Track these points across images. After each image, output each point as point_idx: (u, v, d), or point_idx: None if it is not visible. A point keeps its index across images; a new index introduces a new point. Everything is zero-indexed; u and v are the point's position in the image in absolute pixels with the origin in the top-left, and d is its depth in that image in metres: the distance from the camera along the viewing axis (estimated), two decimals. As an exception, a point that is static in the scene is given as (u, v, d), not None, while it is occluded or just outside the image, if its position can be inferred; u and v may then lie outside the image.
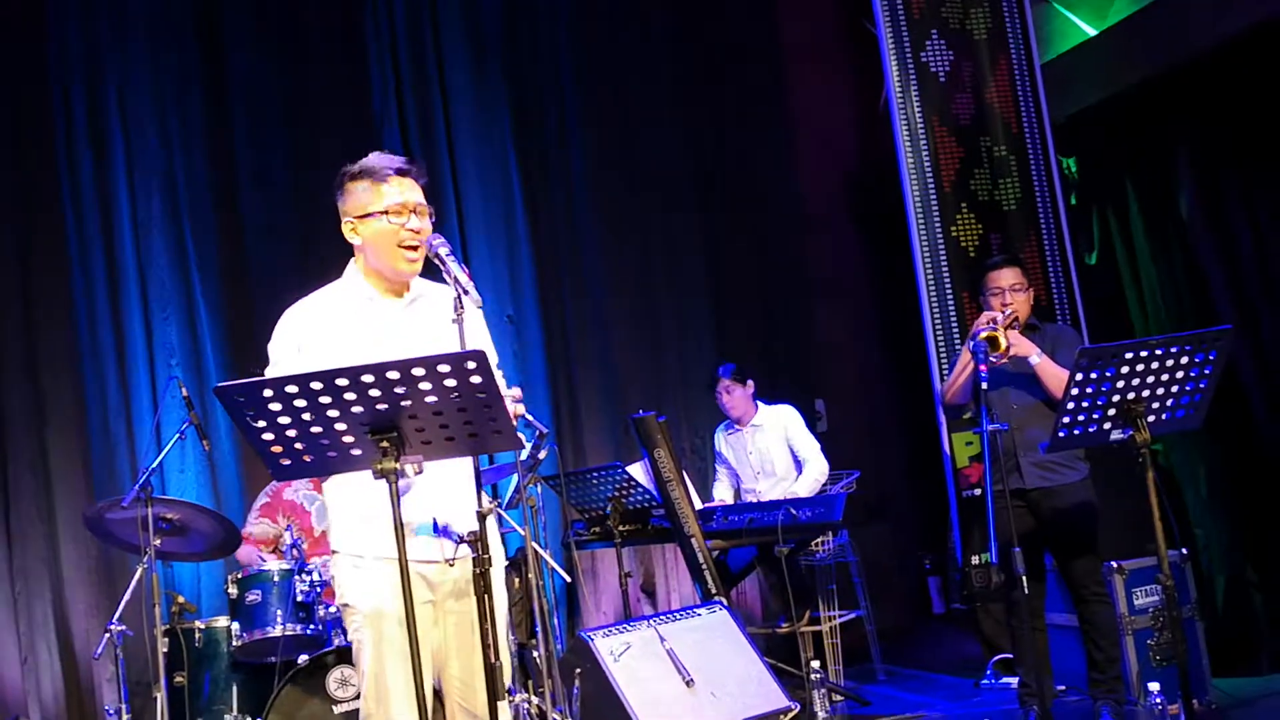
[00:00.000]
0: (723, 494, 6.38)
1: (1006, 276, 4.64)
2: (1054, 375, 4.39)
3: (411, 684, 2.57)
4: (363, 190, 3.00)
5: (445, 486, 2.88)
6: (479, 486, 2.74)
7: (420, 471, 2.81)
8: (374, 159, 3.03)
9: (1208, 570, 5.60)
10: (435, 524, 2.92)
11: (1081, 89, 6.44)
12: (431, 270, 2.99)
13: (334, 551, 3.03)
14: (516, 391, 3.10)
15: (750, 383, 6.20)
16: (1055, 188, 6.43)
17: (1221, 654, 5.00)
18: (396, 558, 2.59)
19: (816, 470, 6.08)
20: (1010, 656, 4.98)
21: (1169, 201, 5.99)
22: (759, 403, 6.27)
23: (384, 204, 2.97)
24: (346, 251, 3.10)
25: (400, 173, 3.00)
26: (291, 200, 6.31)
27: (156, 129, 6.09)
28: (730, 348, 7.26)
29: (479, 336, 3.10)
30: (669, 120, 7.38)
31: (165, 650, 4.36)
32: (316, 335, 2.97)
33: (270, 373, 2.94)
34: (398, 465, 2.58)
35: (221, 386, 2.51)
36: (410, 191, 3.01)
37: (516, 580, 5.15)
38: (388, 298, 3.05)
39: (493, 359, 3.14)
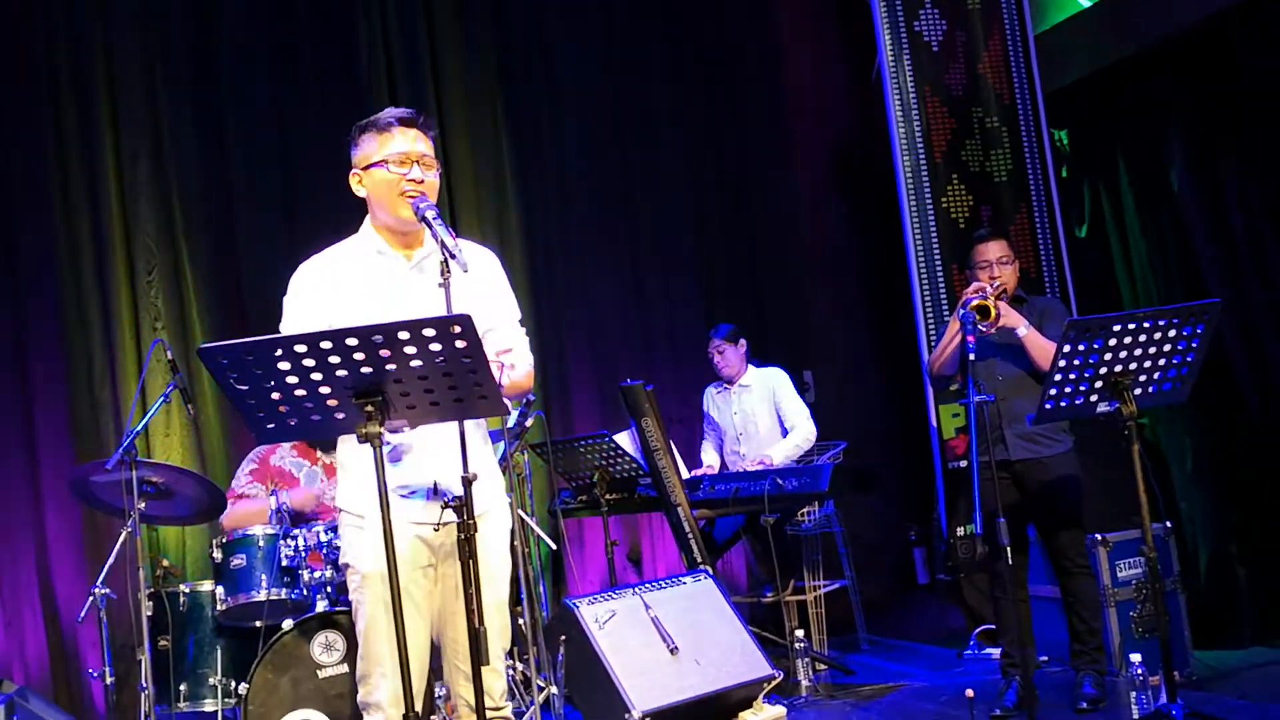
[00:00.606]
0: (709, 458, 6.39)
1: (994, 249, 4.64)
2: (1041, 347, 4.39)
3: (410, 644, 2.58)
4: (368, 141, 3.02)
5: (448, 448, 2.87)
6: (464, 451, 2.72)
7: (405, 429, 2.80)
8: (384, 111, 3.05)
9: (1191, 544, 5.64)
10: (435, 487, 2.92)
11: (1074, 60, 6.42)
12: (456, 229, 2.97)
13: (339, 510, 3.08)
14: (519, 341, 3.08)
15: (743, 343, 6.24)
16: (1047, 160, 6.42)
17: (1203, 626, 5.04)
18: (396, 517, 2.62)
19: (801, 435, 6.09)
20: (993, 627, 5.00)
21: (1160, 175, 5.98)
22: (750, 364, 6.29)
23: (386, 152, 2.97)
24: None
25: (404, 122, 3.01)
26: (278, 162, 6.27)
27: (144, 91, 6.03)
28: (720, 317, 7.25)
29: (492, 291, 3.10)
30: (659, 92, 7.35)
31: (149, 614, 4.36)
32: (326, 291, 2.98)
33: (282, 328, 2.97)
34: (382, 429, 2.57)
35: (205, 348, 2.50)
36: (416, 142, 3.00)
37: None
38: (397, 252, 3.05)
39: (512, 315, 3.13)
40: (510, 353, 2.98)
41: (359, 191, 3.05)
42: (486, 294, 3.07)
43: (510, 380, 2.97)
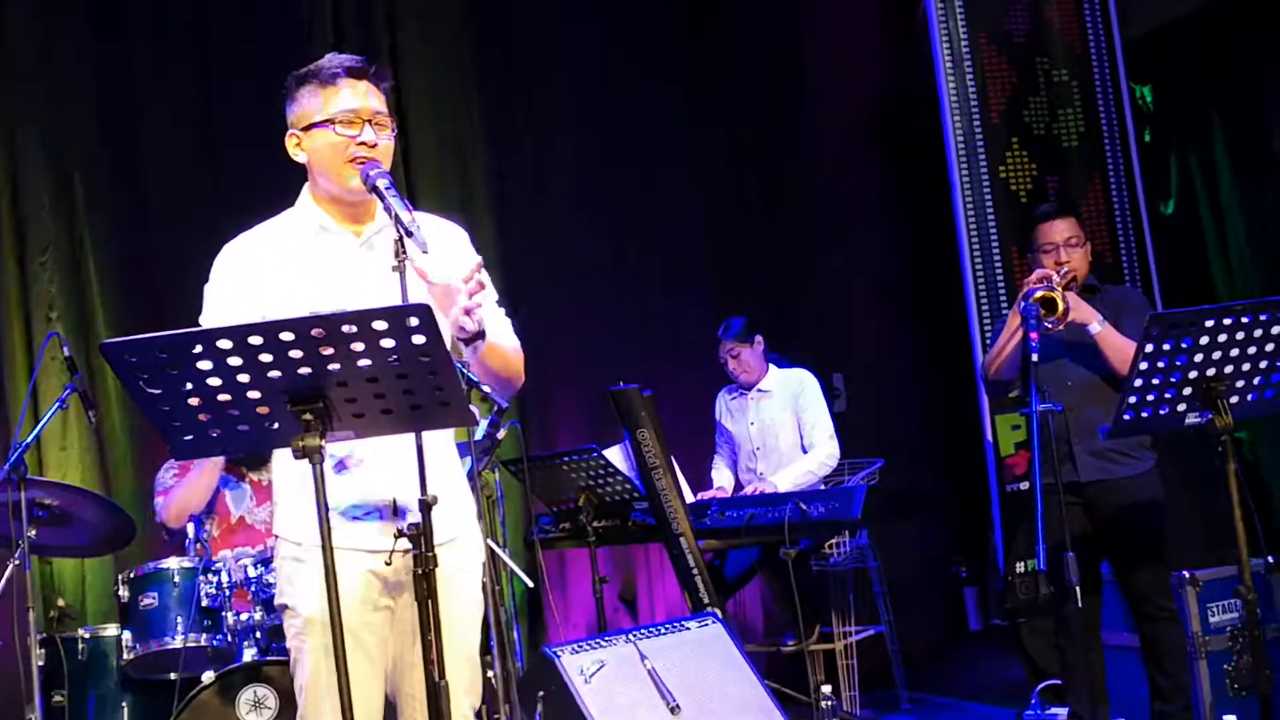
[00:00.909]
0: (721, 477, 6.39)
1: (1060, 229, 4.65)
2: (1117, 347, 4.40)
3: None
4: (307, 96, 2.99)
5: (409, 457, 2.86)
6: (422, 468, 2.71)
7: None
8: (323, 60, 3.02)
9: (1297, 583, 5.64)
10: (394, 506, 2.91)
11: (1160, 2, 6.43)
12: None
13: (276, 535, 3.05)
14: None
15: (759, 339, 6.22)
16: (1126, 121, 6.43)
17: (1311, 681, 5.04)
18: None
19: (818, 458, 6.08)
20: (1059, 682, 5.01)
21: (1262, 139, 6.00)
22: (772, 364, 6.27)
23: (331, 110, 2.95)
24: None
25: (352, 73, 2.98)
26: (198, 124, 6.26)
27: (34, 31, 6.02)
28: (730, 309, 7.25)
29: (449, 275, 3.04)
30: (655, 39, 7.34)
31: (41, 664, 4.35)
32: (256, 275, 2.96)
33: (202, 321, 2.95)
34: (321, 443, 2.57)
35: (109, 343, 2.49)
36: (367, 97, 2.98)
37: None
38: (344, 227, 3.03)
39: (489, 295, 3.09)
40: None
41: (297, 156, 3.03)
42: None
43: (496, 349, 2.95)
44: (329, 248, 3.01)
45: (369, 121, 2.96)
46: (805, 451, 6.16)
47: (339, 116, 2.94)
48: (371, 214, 3.05)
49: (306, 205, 3.06)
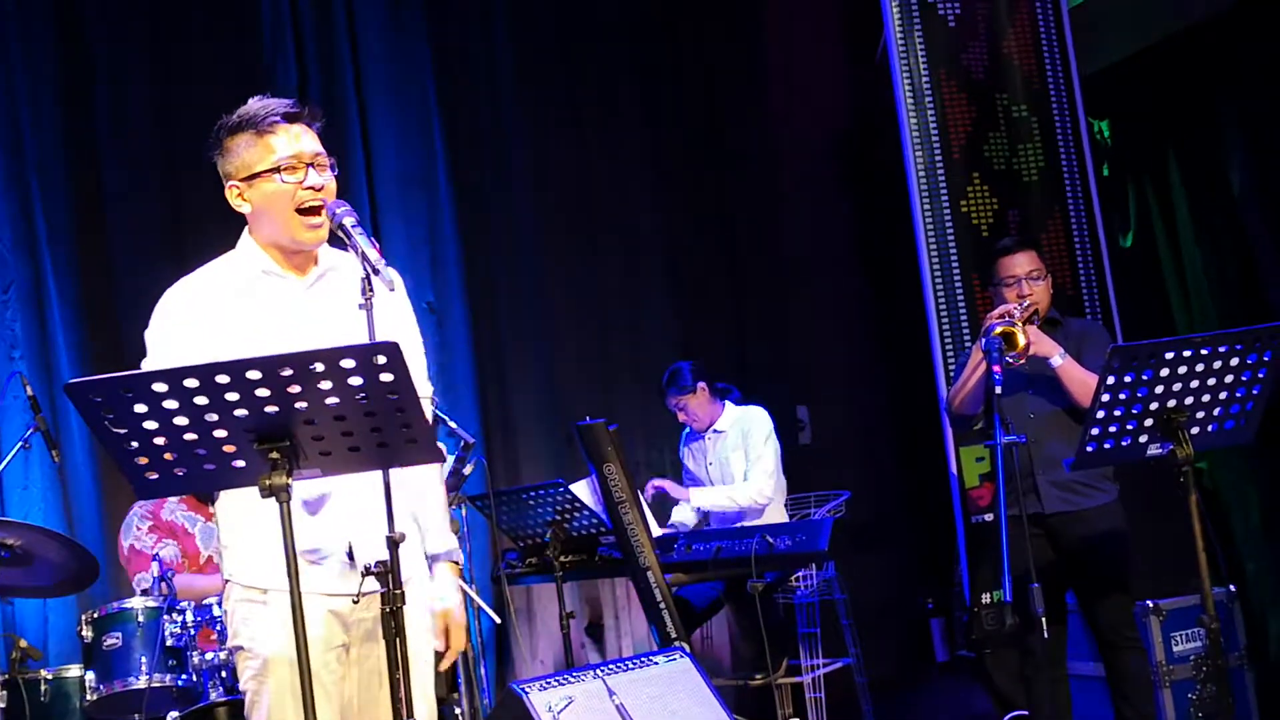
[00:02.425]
0: (683, 516, 6.39)
1: (1022, 262, 4.68)
2: (1079, 380, 4.42)
3: None
4: (245, 146, 2.95)
5: (369, 502, 2.85)
6: (389, 506, 2.71)
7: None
8: (254, 104, 2.98)
9: (1259, 611, 5.68)
10: (349, 552, 2.90)
11: (1116, 38, 6.50)
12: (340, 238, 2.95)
13: (226, 581, 3.00)
14: (427, 389, 3.08)
15: (702, 386, 6.18)
16: (1085, 155, 6.48)
17: (1275, 708, 5.07)
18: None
19: (750, 490, 6.02)
20: (1025, 713, 5.01)
21: (1217, 173, 6.06)
22: (727, 402, 6.28)
23: (274, 159, 2.93)
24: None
25: (289, 118, 2.96)
26: (160, 159, 6.24)
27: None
28: (694, 343, 7.27)
29: (399, 323, 3.08)
30: (621, 69, 7.38)
31: (3, 706, 4.31)
32: (202, 320, 2.93)
33: (146, 365, 2.91)
34: (289, 481, 2.55)
35: (73, 384, 2.48)
36: (304, 140, 2.96)
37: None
38: (288, 272, 3.01)
39: (417, 351, 3.13)
40: None
41: (240, 207, 2.99)
42: (393, 321, 3.03)
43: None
44: (274, 290, 2.99)
45: (310, 164, 2.94)
46: None
47: (283, 164, 2.92)
48: (315, 257, 3.04)
49: (249, 249, 3.03)
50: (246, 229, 3.05)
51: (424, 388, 3.10)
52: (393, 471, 2.75)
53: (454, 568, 3.16)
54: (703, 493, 6.11)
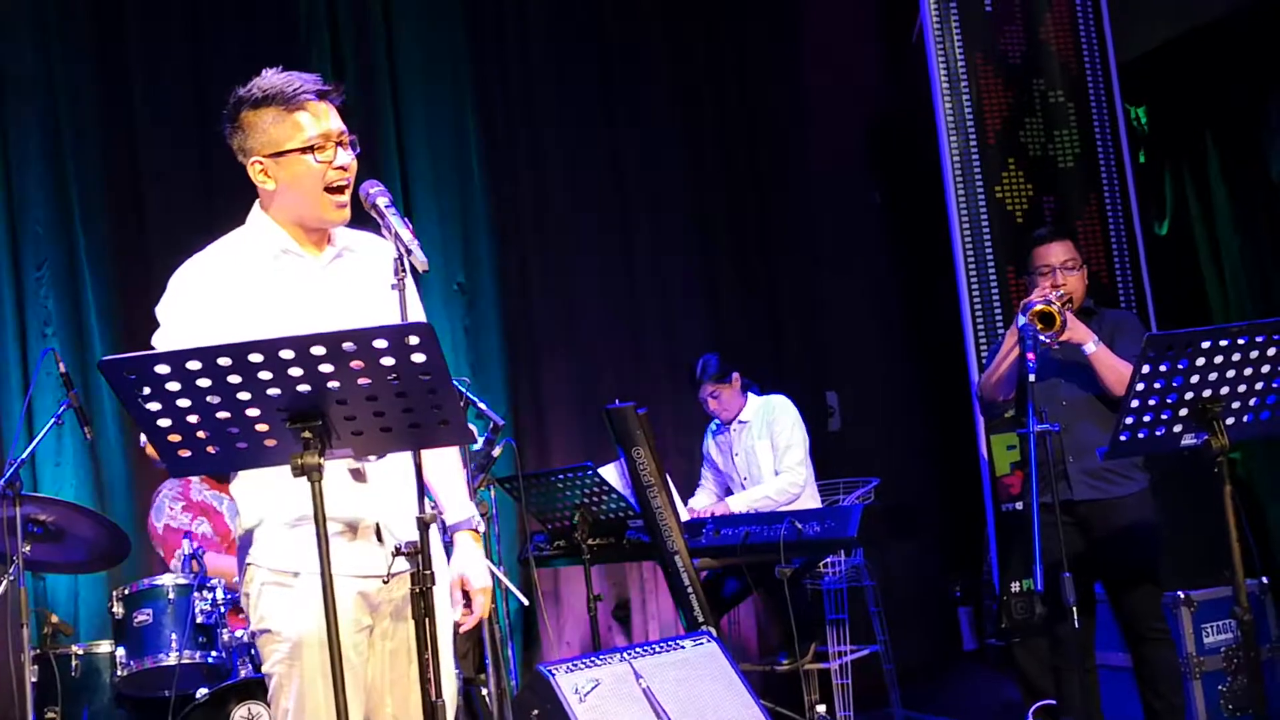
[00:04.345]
0: (702, 501, 6.40)
1: (1057, 252, 4.66)
2: (1112, 367, 4.40)
3: None
4: (271, 121, 2.91)
5: (400, 481, 2.85)
6: (420, 485, 2.72)
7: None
8: (277, 79, 2.93)
9: (1292, 604, 5.65)
10: (378, 531, 2.90)
11: (1154, 23, 6.45)
12: (361, 216, 2.93)
13: (249, 564, 2.95)
14: None
15: (736, 376, 6.20)
16: (1121, 142, 6.45)
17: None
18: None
19: (781, 483, 6.04)
20: (1054, 703, 5.00)
21: (1256, 160, 6.02)
22: (751, 393, 6.28)
23: (304, 138, 2.89)
24: (253, 197, 3.04)
25: (321, 95, 2.92)
26: (195, 139, 6.26)
27: (36, 48, 6.02)
28: (725, 327, 7.27)
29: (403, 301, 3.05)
30: (654, 54, 7.36)
31: (34, 680, 4.33)
32: (217, 298, 2.91)
33: (159, 342, 2.90)
34: (321, 461, 2.56)
35: (107, 360, 2.49)
36: (331, 117, 2.93)
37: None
38: (306, 251, 2.99)
39: None
40: None
41: (264, 184, 2.95)
42: (386, 297, 2.90)
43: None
44: (292, 270, 2.96)
45: (337, 143, 2.91)
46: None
47: (314, 143, 2.89)
48: (330, 236, 3.01)
49: (264, 225, 2.99)
50: (258, 204, 3.00)
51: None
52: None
53: (474, 535, 3.13)
54: (739, 498, 6.09)
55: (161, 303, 2.98)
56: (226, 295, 2.92)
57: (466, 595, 3.06)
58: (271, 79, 2.94)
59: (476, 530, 3.14)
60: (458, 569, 3.07)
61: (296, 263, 2.97)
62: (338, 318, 2.80)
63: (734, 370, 6.22)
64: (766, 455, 6.18)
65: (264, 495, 2.92)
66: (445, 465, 3.13)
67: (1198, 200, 6.38)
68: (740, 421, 6.28)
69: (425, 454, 2.94)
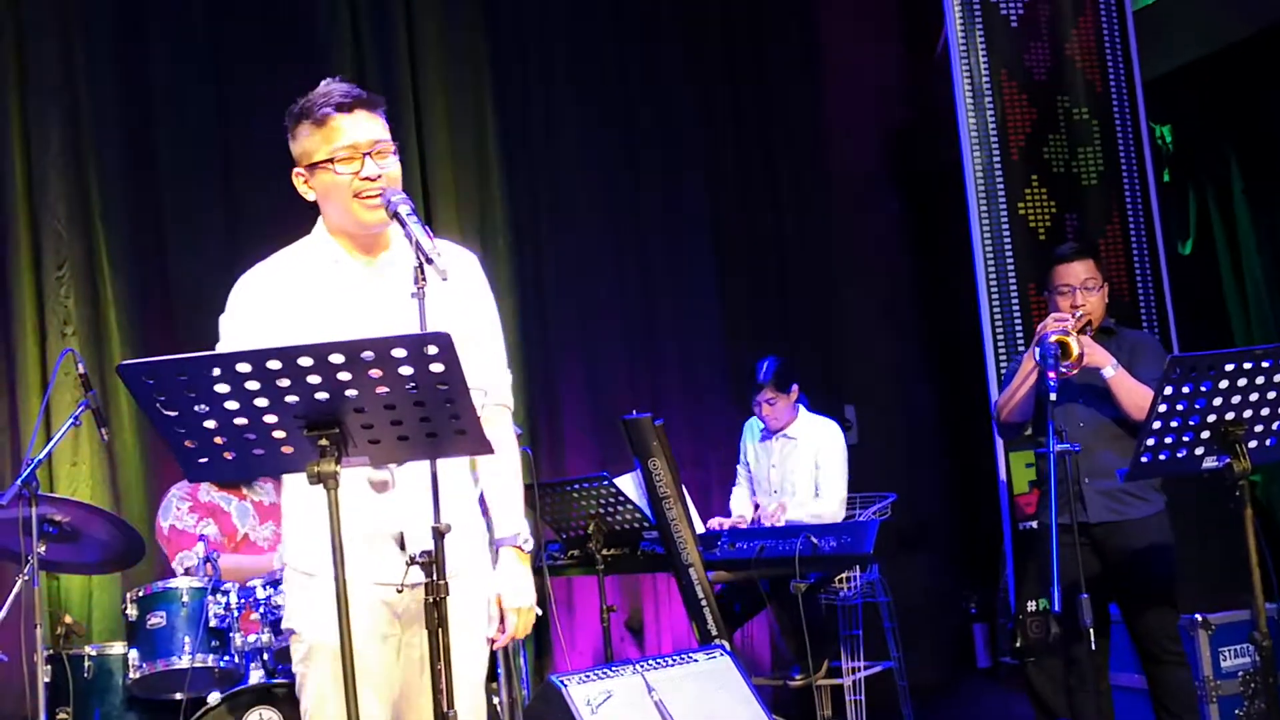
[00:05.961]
0: (740, 506, 6.35)
1: (1078, 271, 4.64)
2: (1131, 391, 4.39)
3: None
4: (305, 134, 2.96)
5: (423, 492, 2.86)
6: (436, 496, 2.71)
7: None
8: (318, 90, 2.98)
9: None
10: (400, 539, 2.91)
11: (1180, 42, 6.43)
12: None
13: (283, 565, 3.06)
14: (502, 377, 3.12)
15: (795, 388, 6.12)
16: (1145, 160, 6.43)
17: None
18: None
19: (832, 508, 6.02)
20: (1068, 723, 4.98)
21: (1280, 180, 6.00)
22: (801, 407, 6.20)
23: (329, 150, 2.93)
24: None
25: (342, 108, 2.94)
26: (216, 140, 6.28)
27: (57, 43, 6.04)
28: (742, 338, 7.25)
29: (472, 308, 3.08)
30: (674, 65, 7.37)
31: (47, 680, 4.33)
32: (273, 307, 2.95)
33: (219, 350, 2.93)
34: (337, 469, 2.56)
35: (127, 365, 2.49)
36: (361, 128, 2.94)
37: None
38: (357, 258, 3.02)
39: (496, 339, 3.14)
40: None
41: (306, 194, 3.02)
42: (464, 306, 3.06)
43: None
44: (343, 278, 3.00)
45: (368, 154, 2.93)
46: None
47: (337, 155, 2.91)
48: (386, 243, 3.04)
49: (321, 237, 3.05)
50: (321, 214, 3.07)
51: (494, 375, 3.13)
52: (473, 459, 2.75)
53: (518, 552, 3.12)
54: (801, 510, 6.00)
55: (224, 312, 3.04)
56: (280, 305, 2.96)
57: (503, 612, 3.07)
58: (316, 91, 2.99)
59: (521, 547, 3.13)
60: (496, 585, 3.07)
61: (348, 272, 3.01)
62: (378, 326, 2.79)
63: (794, 381, 6.14)
64: (806, 479, 6.12)
65: (299, 498, 2.98)
66: (501, 478, 3.15)
67: (1221, 220, 6.36)
68: (786, 436, 6.18)
69: (483, 466, 3.07)
